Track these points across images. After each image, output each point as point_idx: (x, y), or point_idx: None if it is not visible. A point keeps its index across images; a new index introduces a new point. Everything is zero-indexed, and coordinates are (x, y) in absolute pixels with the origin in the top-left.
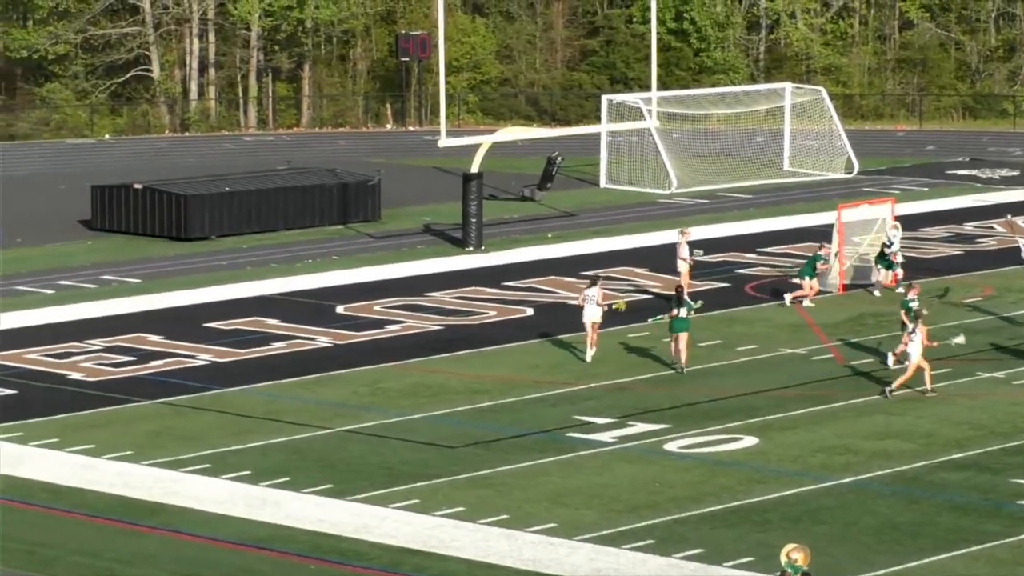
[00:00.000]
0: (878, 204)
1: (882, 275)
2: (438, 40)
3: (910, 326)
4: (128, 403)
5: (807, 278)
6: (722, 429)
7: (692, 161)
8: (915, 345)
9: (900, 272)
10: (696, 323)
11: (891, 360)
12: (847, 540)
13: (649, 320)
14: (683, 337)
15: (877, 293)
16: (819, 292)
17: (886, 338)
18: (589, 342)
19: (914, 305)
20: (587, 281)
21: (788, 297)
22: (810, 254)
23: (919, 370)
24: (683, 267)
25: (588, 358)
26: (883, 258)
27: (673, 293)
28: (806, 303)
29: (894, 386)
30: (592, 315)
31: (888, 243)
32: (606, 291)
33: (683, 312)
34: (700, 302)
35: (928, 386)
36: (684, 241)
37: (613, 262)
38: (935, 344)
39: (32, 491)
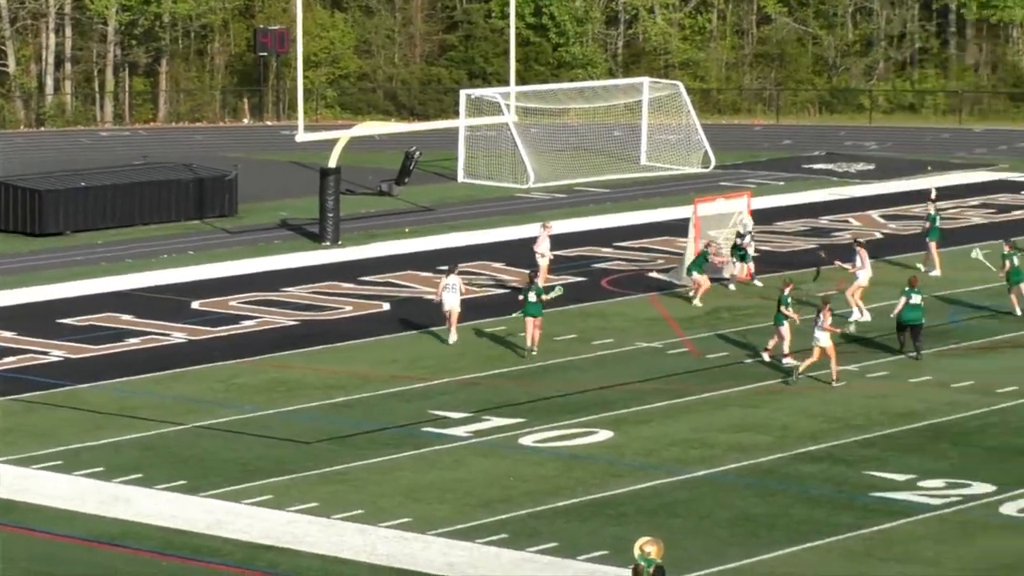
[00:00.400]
0: (734, 198)
1: (737, 268)
2: (296, 35)
3: (819, 315)
4: None
5: (695, 273)
6: (577, 423)
7: (550, 155)
8: (822, 331)
9: (753, 266)
10: (552, 317)
11: (766, 356)
12: (701, 533)
13: (515, 314)
14: (535, 322)
15: (732, 287)
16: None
17: (744, 331)
18: (451, 327)
19: (790, 300)
20: (445, 271)
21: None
22: (669, 248)
23: (823, 356)
24: (542, 262)
25: (451, 340)
26: (738, 251)
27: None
28: (696, 302)
29: (834, 376)
30: (452, 303)
31: (741, 235)
32: (466, 285)
33: (532, 296)
34: (558, 288)
35: (803, 369)
36: (545, 235)
37: (471, 256)
38: (838, 330)
39: None
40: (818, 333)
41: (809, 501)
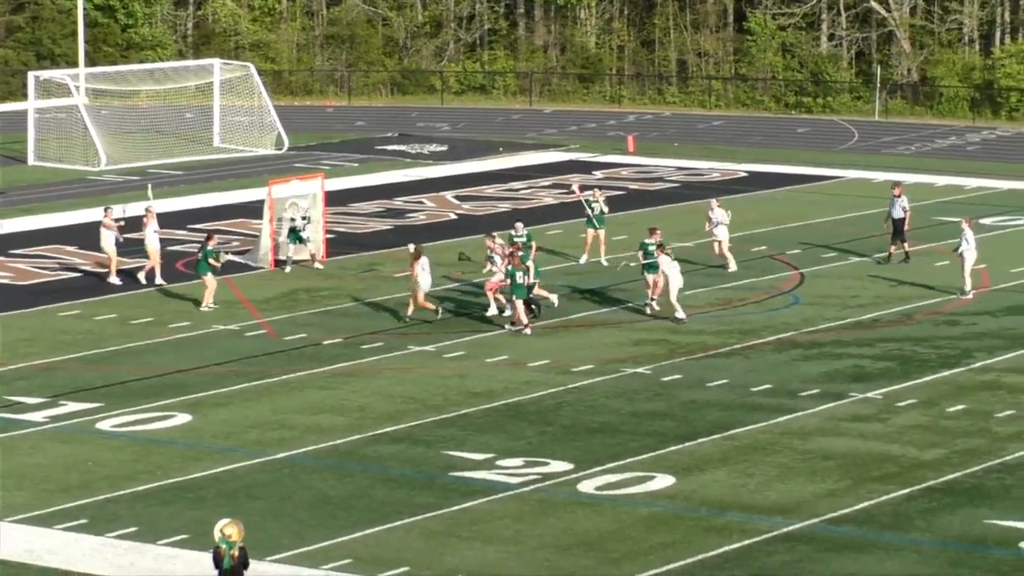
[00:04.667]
0: (309, 179)
1: (292, 250)
2: None
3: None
4: None
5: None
6: (155, 407)
7: (122, 138)
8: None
9: (317, 249)
10: (128, 301)
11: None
12: (282, 515)
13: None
14: (205, 280)
15: (288, 269)
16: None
17: (322, 312)
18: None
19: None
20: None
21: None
22: (244, 230)
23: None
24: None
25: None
26: (294, 232)
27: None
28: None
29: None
30: (108, 243)
31: (303, 218)
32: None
33: (201, 256)
34: (224, 255)
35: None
36: (151, 215)
37: (42, 240)
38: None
39: None
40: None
41: (389, 482)
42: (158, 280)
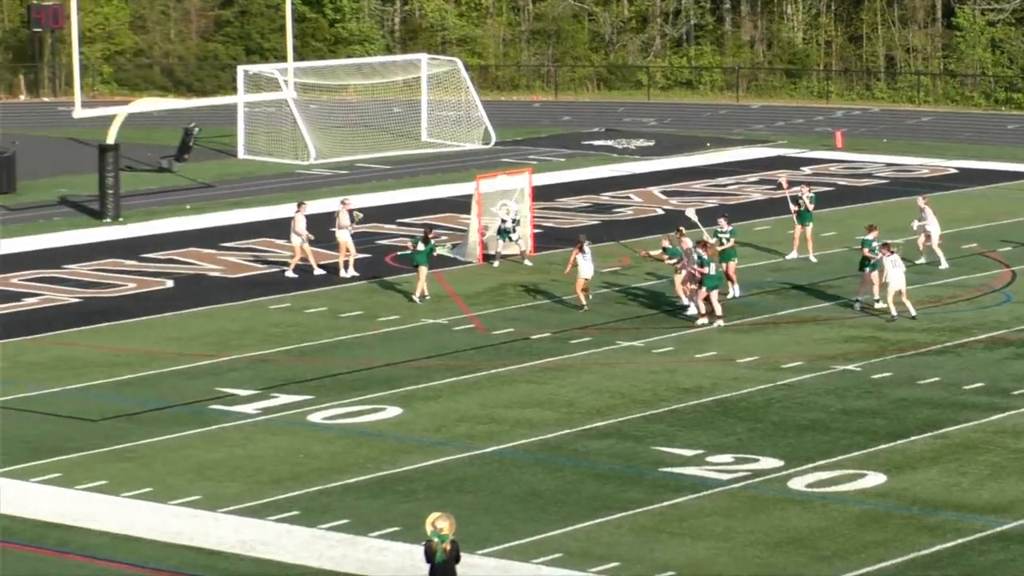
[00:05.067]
0: (516, 175)
1: (500, 245)
2: (71, 10)
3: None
4: None
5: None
6: (365, 399)
7: (330, 132)
8: None
9: (526, 246)
10: (337, 295)
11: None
12: (492, 509)
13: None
14: (421, 271)
15: (496, 264)
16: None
17: (529, 307)
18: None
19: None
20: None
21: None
22: (453, 224)
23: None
24: (342, 235)
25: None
26: (503, 232)
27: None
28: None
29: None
30: (296, 240)
31: (510, 216)
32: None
33: (421, 246)
34: (448, 247)
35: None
36: (344, 211)
37: (252, 233)
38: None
39: None
40: None
41: (598, 477)
42: (351, 272)
